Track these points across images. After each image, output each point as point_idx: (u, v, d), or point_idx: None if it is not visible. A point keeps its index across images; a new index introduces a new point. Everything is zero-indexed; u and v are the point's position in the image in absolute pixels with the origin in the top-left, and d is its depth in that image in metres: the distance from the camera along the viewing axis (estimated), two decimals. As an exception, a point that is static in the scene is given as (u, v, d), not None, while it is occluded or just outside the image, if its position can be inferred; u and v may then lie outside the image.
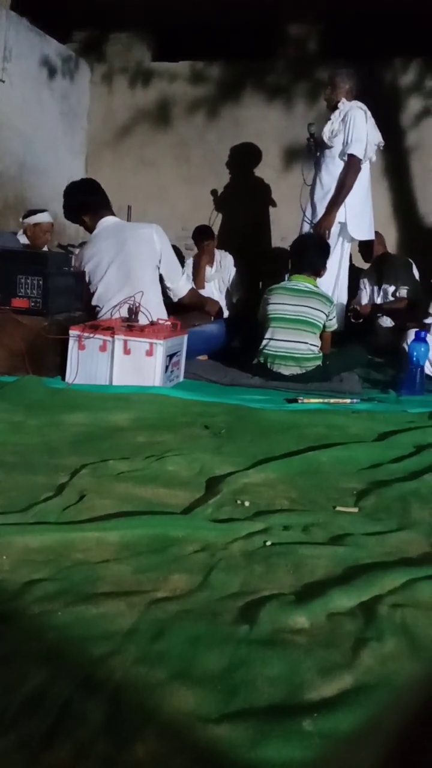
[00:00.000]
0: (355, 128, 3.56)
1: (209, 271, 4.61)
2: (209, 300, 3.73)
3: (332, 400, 2.49)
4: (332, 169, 3.66)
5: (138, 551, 1.20)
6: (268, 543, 1.26)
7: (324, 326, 2.85)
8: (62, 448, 1.80)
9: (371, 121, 3.64)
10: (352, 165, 3.58)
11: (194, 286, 3.72)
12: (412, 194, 5.03)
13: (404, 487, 1.60)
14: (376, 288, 4.27)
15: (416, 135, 5.00)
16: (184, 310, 3.08)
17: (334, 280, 3.76)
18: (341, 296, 3.85)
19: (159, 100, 5.45)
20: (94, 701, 0.79)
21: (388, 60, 4.97)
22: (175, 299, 3.00)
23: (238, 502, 1.47)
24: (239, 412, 2.26)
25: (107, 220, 2.88)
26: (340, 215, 3.63)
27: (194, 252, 4.70)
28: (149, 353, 2.50)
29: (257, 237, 5.24)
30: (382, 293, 4.28)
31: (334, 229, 3.65)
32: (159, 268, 2.85)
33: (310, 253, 2.99)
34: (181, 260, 3.78)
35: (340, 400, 2.50)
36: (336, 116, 3.63)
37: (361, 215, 3.71)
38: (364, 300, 4.25)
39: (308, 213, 3.77)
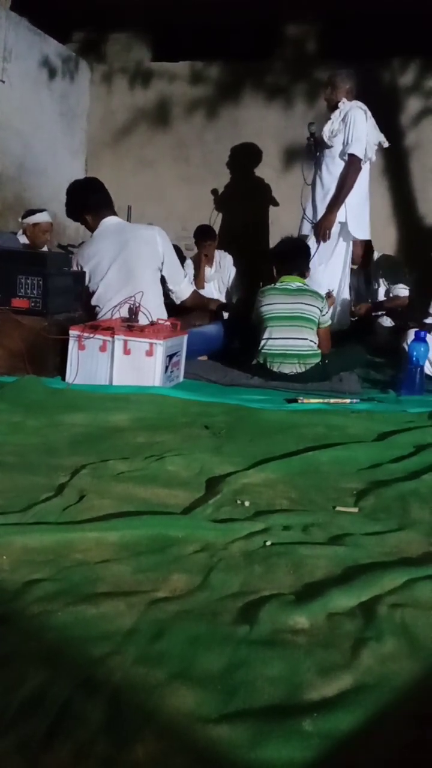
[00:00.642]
0: (355, 128, 3.56)
1: (209, 271, 4.61)
2: (212, 300, 3.73)
3: (332, 400, 2.49)
4: (332, 168, 3.66)
5: (138, 551, 1.20)
6: (268, 543, 1.26)
7: (318, 322, 2.86)
8: (62, 449, 1.80)
9: (371, 120, 3.65)
10: (352, 165, 3.59)
11: (195, 288, 3.72)
12: (411, 194, 5.03)
13: (404, 487, 1.60)
14: (365, 288, 4.29)
15: (415, 135, 5.00)
16: (185, 311, 3.08)
17: (338, 279, 3.77)
18: (344, 295, 3.85)
19: (158, 100, 5.45)
20: (94, 702, 0.79)
21: (387, 60, 4.97)
22: (178, 302, 3.00)
23: (238, 502, 1.47)
24: (239, 412, 2.26)
25: (109, 220, 2.87)
26: (341, 215, 3.64)
27: (194, 252, 4.70)
28: (149, 353, 2.50)
29: (257, 237, 5.24)
30: (374, 293, 4.29)
31: (335, 229, 3.65)
32: (161, 270, 2.85)
33: (295, 256, 3.03)
34: (182, 260, 3.78)
35: (340, 400, 2.50)
36: (336, 116, 3.63)
37: (361, 215, 3.72)
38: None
39: (309, 212, 3.78)
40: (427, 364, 2.80)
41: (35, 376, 2.47)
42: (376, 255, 4.29)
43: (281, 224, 5.02)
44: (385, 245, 4.92)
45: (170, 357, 2.61)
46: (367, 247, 4.13)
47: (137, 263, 2.75)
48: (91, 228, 2.92)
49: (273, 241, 5.19)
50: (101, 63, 5.57)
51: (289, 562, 1.19)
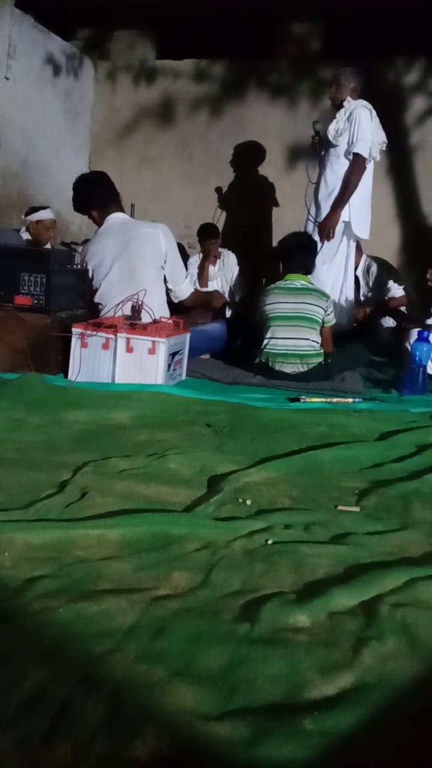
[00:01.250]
0: (360, 127, 3.55)
1: (212, 269, 4.60)
2: (215, 295, 3.73)
3: (334, 400, 2.49)
4: (337, 167, 3.66)
5: (139, 549, 1.20)
6: (270, 541, 1.26)
7: (323, 321, 2.85)
8: (64, 446, 1.80)
9: (376, 120, 3.64)
10: (357, 164, 3.58)
11: (197, 287, 3.72)
12: (415, 194, 5.02)
13: (406, 487, 1.60)
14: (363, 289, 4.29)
15: (419, 134, 4.98)
16: (187, 310, 3.07)
17: (341, 279, 3.76)
18: (348, 294, 3.85)
19: (162, 98, 5.45)
20: (95, 699, 0.80)
21: (391, 59, 4.96)
22: (176, 301, 2.99)
23: (240, 500, 1.47)
24: (241, 410, 2.26)
25: (115, 217, 2.86)
26: (345, 214, 3.63)
27: (198, 250, 4.70)
28: (152, 351, 2.50)
29: (260, 235, 5.24)
30: (366, 298, 4.29)
31: (339, 228, 3.65)
32: (163, 269, 2.84)
33: (301, 253, 2.99)
34: (184, 258, 3.77)
35: (342, 400, 2.50)
36: (341, 115, 3.62)
37: (365, 214, 3.71)
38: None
39: (312, 211, 3.77)
40: (429, 363, 2.79)
41: (38, 373, 2.48)
42: (364, 258, 4.26)
43: (285, 223, 5.02)
44: (388, 245, 4.91)
45: (173, 355, 2.61)
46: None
47: (139, 262, 2.75)
48: (98, 223, 2.92)
49: (276, 239, 5.18)
50: (105, 60, 5.57)
51: (290, 561, 1.19)
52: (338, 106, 3.68)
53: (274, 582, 1.12)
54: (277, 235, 5.17)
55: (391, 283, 4.26)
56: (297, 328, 2.80)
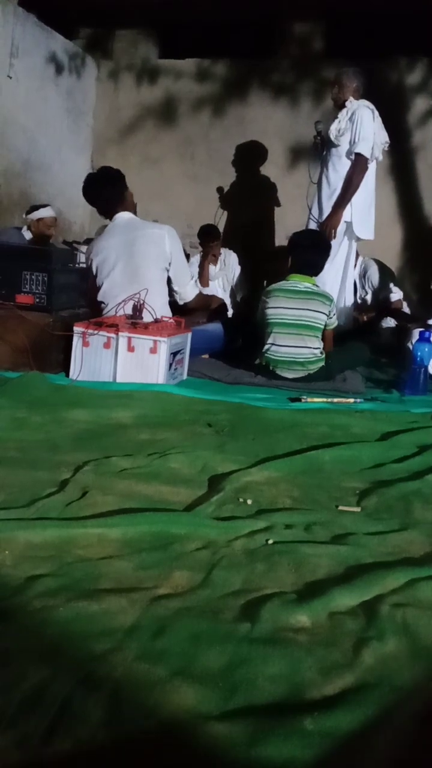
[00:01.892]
0: (362, 127, 3.55)
1: (213, 269, 4.60)
2: (214, 298, 3.72)
3: (335, 400, 2.48)
4: (339, 167, 3.65)
5: (140, 548, 1.20)
6: (270, 541, 1.26)
7: (325, 325, 2.82)
8: (65, 445, 1.80)
9: (378, 120, 3.63)
10: (359, 164, 3.57)
11: (198, 287, 3.71)
12: (417, 194, 5.02)
13: (407, 487, 1.60)
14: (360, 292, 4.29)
15: (421, 135, 4.98)
16: (188, 312, 3.06)
17: (340, 279, 3.76)
18: (348, 295, 3.84)
19: (164, 97, 5.44)
20: (95, 698, 0.80)
21: (393, 59, 4.95)
22: (181, 302, 2.98)
23: (241, 500, 1.47)
24: (242, 410, 2.26)
25: (122, 216, 2.85)
26: (346, 214, 3.63)
27: (199, 250, 4.70)
28: (153, 351, 2.50)
29: (262, 235, 5.23)
30: (367, 298, 4.29)
31: (340, 228, 3.65)
32: (168, 271, 2.83)
33: (310, 253, 2.88)
34: (186, 257, 3.77)
35: (344, 400, 2.50)
36: (343, 115, 3.62)
37: (367, 215, 3.71)
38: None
39: (314, 212, 3.77)
40: (431, 364, 2.79)
41: (39, 372, 2.48)
42: (360, 260, 4.25)
43: (286, 223, 5.01)
44: (390, 245, 4.91)
45: (174, 354, 2.61)
46: None
47: (143, 262, 2.75)
48: (108, 217, 2.91)
49: (278, 239, 5.19)
50: (108, 60, 5.57)
51: (291, 561, 1.19)
52: (340, 106, 3.67)
53: (275, 582, 1.12)
54: (279, 235, 5.18)
55: (390, 285, 4.26)
56: (299, 336, 2.76)
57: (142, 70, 5.50)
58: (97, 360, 2.55)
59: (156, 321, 2.66)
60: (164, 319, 2.70)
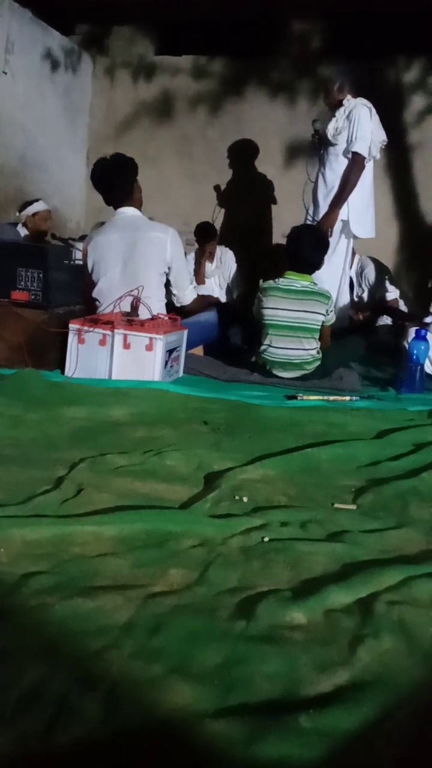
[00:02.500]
0: (359, 126, 3.54)
1: (209, 267, 4.60)
2: (210, 298, 3.72)
3: (332, 398, 2.49)
4: (336, 166, 3.65)
5: (135, 546, 1.20)
6: (266, 539, 1.26)
7: (323, 322, 2.80)
8: (61, 442, 1.80)
9: (376, 118, 3.63)
10: (355, 163, 3.57)
11: (196, 287, 3.70)
12: (414, 193, 5.02)
13: (403, 485, 1.60)
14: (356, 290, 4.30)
15: (419, 133, 4.98)
16: (185, 315, 3.04)
17: (338, 279, 3.76)
18: (344, 295, 3.84)
19: (161, 94, 5.43)
20: (91, 696, 0.79)
21: (391, 58, 4.95)
22: (178, 305, 2.97)
23: (237, 498, 1.47)
24: (238, 408, 2.26)
25: (125, 211, 2.79)
26: (343, 213, 3.63)
27: (195, 248, 4.69)
28: (149, 348, 2.49)
29: (259, 233, 5.23)
30: (364, 296, 4.29)
31: (337, 227, 3.64)
32: (167, 275, 2.79)
33: (308, 250, 2.81)
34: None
35: (340, 398, 2.50)
36: (341, 113, 3.62)
37: (364, 213, 3.71)
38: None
39: (311, 210, 3.77)
40: (427, 362, 2.79)
41: (35, 369, 2.47)
42: (357, 259, 4.25)
43: (283, 221, 5.00)
44: (387, 244, 4.91)
45: (170, 352, 2.60)
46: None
47: (142, 266, 2.71)
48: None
49: (275, 237, 5.18)
50: (104, 56, 5.54)
51: (287, 559, 1.19)
52: (337, 105, 3.67)
53: (271, 579, 1.12)
54: (276, 233, 5.17)
55: (387, 284, 4.26)
56: (296, 339, 2.74)
57: (139, 67, 5.48)
58: (93, 357, 2.54)
59: (152, 318, 2.65)
60: (160, 316, 2.69)
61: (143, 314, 2.66)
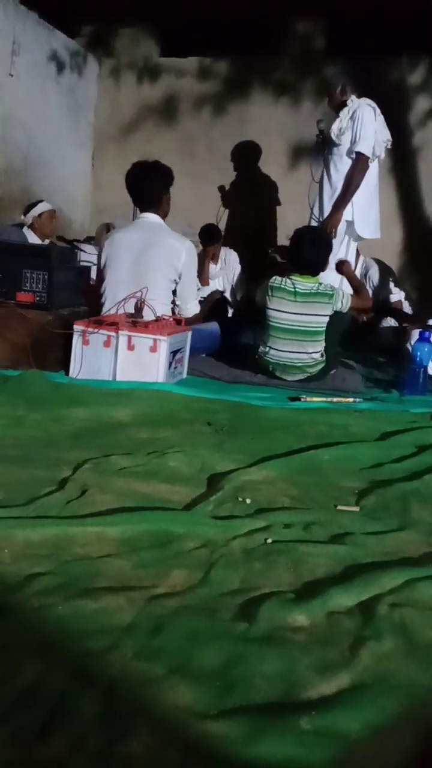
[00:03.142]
0: (363, 126, 3.54)
1: (213, 268, 4.60)
2: (214, 291, 3.71)
3: (335, 399, 2.49)
4: (340, 166, 3.65)
5: (138, 547, 1.20)
6: (269, 541, 1.26)
7: (337, 312, 2.75)
8: (64, 443, 1.80)
9: (380, 118, 3.63)
10: (359, 163, 3.57)
11: (200, 288, 3.71)
12: (418, 193, 5.01)
13: (405, 487, 1.60)
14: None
15: (422, 134, 4.97)
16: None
17: (340, 278, 3.75)
18: (347, 296, 3.84)
19: (165, 95, 5.44)
20: (91, 695, 0.80)
21: (395, 58, 4.94)
22: (179, 316, 2.98)
23: (239, 499, 1.47)
24: (241, 409, 2.26)
25: (149, 216, 2.84)
26: (347, 213, 3.62)
27: (200, 249, 4.69)
28: (153, 349, 2.50)
29: (263, 234, 5.23)
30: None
31: (341, 228, 3.64)
32: (175, 284, 2.81)
33: (310, 253, 2.80)
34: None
35: (343, 399, 2.50)
36: (344, 113, 3.61)
37: (368, 214, 3.70)
38: None
39: (316, 211, 3.76)
40: (430, 364, 2.79)
41: (39, 370, 2.48)
42: (362, 260, 4.24)
43: (287, 222, 5.01)
44: (391, 245, 4.90)
45: (174, 353, 2.61)
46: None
47: (150, 265, 2.73)
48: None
49: (279, 238, 5.18)
50: (109, 57, 5.56)
51: (289, 560, 1.19)
52: (341, 105, 3.67)
53: (273, 581, 1.12)
54: (280, 234, 5.17)
55: (391, 286, 4.26)
56: (299, 342, 2.74)
57: (144, 68, 5.49)
58: (97, 358, 2.55)
59: (156, 320, 2.66)
60: (164, 317, 2.70)
61: (147, 316, 2.67)
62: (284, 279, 2.79)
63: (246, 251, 4.75)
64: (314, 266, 2.82)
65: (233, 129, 5.30)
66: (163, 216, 2.88)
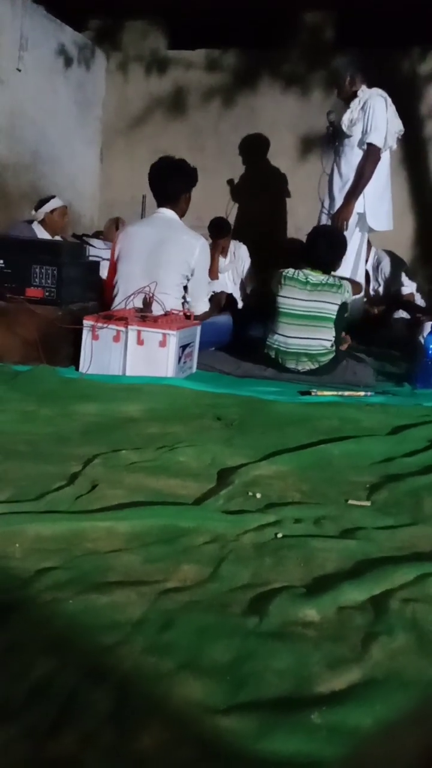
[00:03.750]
0: (374, 116, 3.50)
1: (223, 262, 4.58)
2: (221, 294, 3.72)
3: (346, 393, 2.47)
4: (351, 158, 3.61)
5: (148, 541, 1.20)
6: (279, 535, 1.25)
7: (342, 304, 2.76)
8: (74, 438, 1.81)
9: (392, 108, 3.58)
10: (371, 154, 3.53)
11: (209, 282, 3.70)
12: (429, 185, 4.96)
13: (417, 482, 1.59)
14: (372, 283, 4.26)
15: (435, 125, 4.91)
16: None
17: (353, 271, 3.73)
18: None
19: (174, 88, 5.41)
20: (102, 690, 0.80)
21: (406, 48, 4.88)
22: (188, 312, 2.98)
23: (250, 494, 1.46)
24: (251, 403, 2.25)
25: (165, 212, 2.86)
26: (359, 205, 3.59)
27: (209, 243, 4.68)
28: (162, 344, 2.50)
29: (272, 227, 5.20)
30: (380, 290, 4.26)
31: (352, 220, 3.61)
32: (187, 280, 2.81)
33: (325, 252, 2.84)
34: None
35: (354, 393, 2.48)
36: (355, 104, 3.57)
37: (380, 205, 3.67)
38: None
39: (326, 203, 3.73)
40: (442, 357, 2.76)
41: (49, 365, 2.49)
42: (373, 252, 4.20)
43: (297, 215, 4.98)
44: (402, 237, 4.85)
45: (183, 348, 2.60)
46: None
47: (164, 260, 2.73)
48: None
49: (289, 231, 5.15)
50: (117, 51, 5.54)
51: (299, 555, 1.18)
52: (352, 96, 3.62)
53: (283, 576, 1.11)
54: (290, 227, 5.14)
55: (403, 278, 4.22)
56: (309, 327, 2.74)
57: (152, 62, 5.46)
58: (107, 353, 2.55)
59: (166, 314, 2.65)
60: (174, 312, 2.70)
61: (157, 310, 2.67)
62: (297, 271, 2.82)
63: (255, 244, 4.73)
64: (328, 265, 2.85)
65: (242, 122, 5.26)
66: (181, 214, 2.91)
